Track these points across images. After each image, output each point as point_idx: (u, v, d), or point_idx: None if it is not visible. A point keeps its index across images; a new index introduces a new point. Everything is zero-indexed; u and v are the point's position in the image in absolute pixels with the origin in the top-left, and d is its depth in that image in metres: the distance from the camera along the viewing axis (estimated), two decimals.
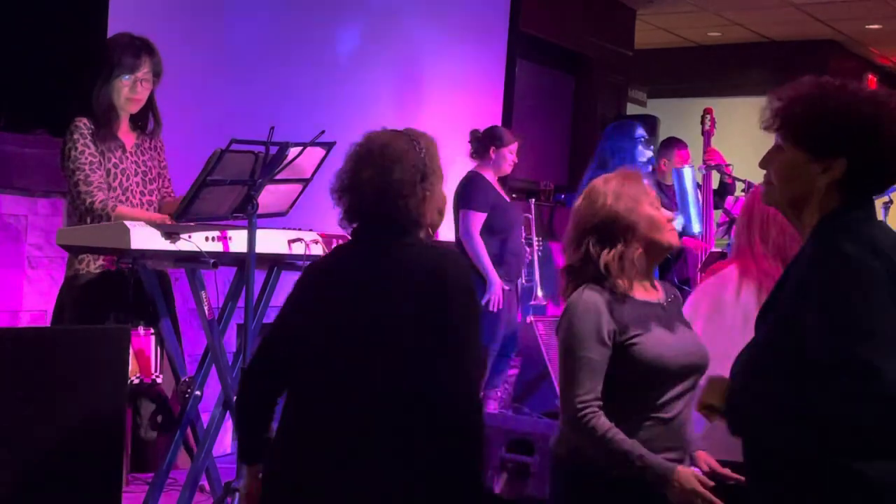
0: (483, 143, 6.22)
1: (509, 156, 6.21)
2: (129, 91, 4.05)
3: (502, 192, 6.27)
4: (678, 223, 6.07)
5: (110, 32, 4.79)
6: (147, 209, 4.08)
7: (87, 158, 3.95)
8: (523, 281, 6.62)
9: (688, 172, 6.23)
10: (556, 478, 2.90)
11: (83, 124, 3.99)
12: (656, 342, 2.80)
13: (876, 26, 10.65)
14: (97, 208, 3.87)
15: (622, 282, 2.83)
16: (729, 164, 6.76)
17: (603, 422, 2.71)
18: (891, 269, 2.04)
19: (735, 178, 6.76)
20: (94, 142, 3.99)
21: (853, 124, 2.12)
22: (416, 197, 2.52)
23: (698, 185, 6.31)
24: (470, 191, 6.13)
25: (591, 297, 2.81)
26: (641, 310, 2.84)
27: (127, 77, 4.03)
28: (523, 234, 6.53)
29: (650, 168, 6.33)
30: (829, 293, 2.03)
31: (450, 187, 6.77)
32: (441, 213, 2.57)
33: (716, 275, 3.29)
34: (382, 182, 2.51)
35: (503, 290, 6.04)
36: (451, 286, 2.46)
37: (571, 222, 2.93)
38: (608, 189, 2.90)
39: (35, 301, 4.93)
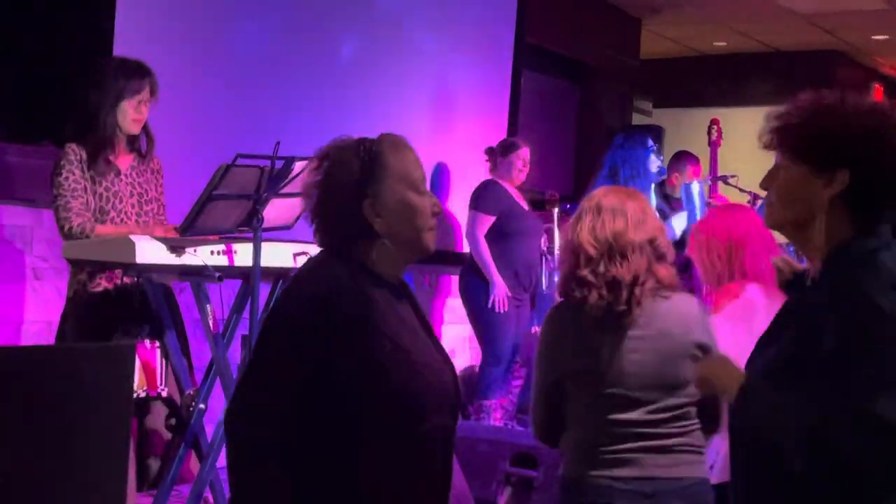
0: (495, 155, 6.35)
1: (516, 161, 6.26)
2: (135, 112, 4.11)
3: (520, 200, 6.32)
4: (679, 223, 6.09)
5: (116, 44, 4.82)
6: (143, 230, 4.11)
7: (70, 185, 3.99)
8: (543, 289, 6.62)
9: (696, 188, 6.23)
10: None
11: (71, 151, 4.04)
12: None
13: (882, 37, 10.65)
14: (75, 232, 3.93)
15: None
16: (733, 175, 6.76)
17: None
18: None
19: (740, 190, 6.77)
20: (83, 168, 4.03)
21: (854, 135, 2.09)
22: (347, 206, 2.33)
23: (707, 203, 6.31)
24: (480, 194, 6.25)
25: None
26: None
27: (132, 100, 4.08)
28: (545, 244, 6.53)
29: (661, 178, 6.33)
30: (865, 349, 1.98)
31: (457, 196, 6.80)
32: (409, 220, 2.39)
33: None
34: (319, 198, 2.36)
35: (508, 297, 6.06)
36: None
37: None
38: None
39: (40, 313, 4.93)
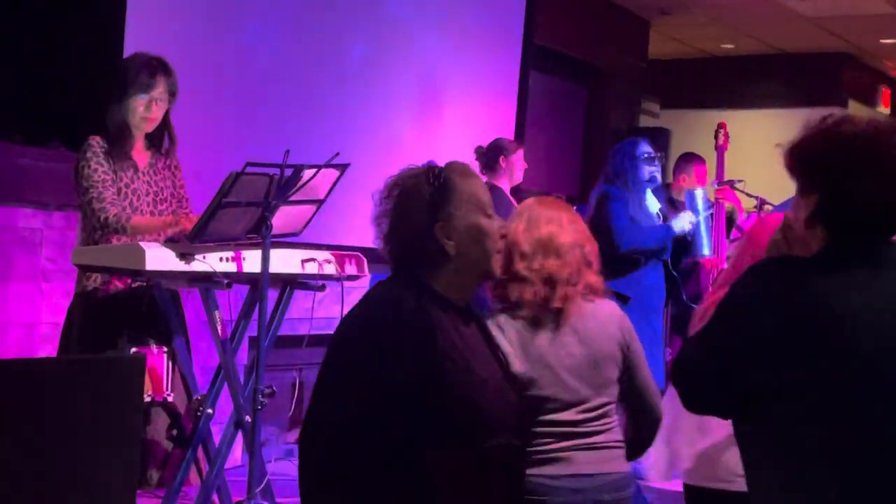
0: (490, 156, 6.26)
1: (518, 162, 6.25)
2: (144, 110, 4.07)
3: (515, 203, 6.29)
4: (687, 220, 6.07)
5: (126, 47, 4.83)
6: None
7: (100, 176, 3.97)
8: None
9: (699, 194, 6.22)
10: None
11: (96, 143, 4.02)
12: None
13: (890, 40, 10.64)
14: (112, 222, 3.90)
15: None
16: (740, 180, 6.75)
17: None
18: (785, 311, 2.10)
19: (747, 195, 6.77)
20: (107, 160, 4.02)
21: (819, 160, 2.18)
22: (419, 229, 2.43)
23: (711, 207, 6.30)
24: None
25: None
26: None
27: (142, 96, 4.05)
28: None
29: (656, 185, 6.29)
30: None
31: None
32: (479, 243, 2.49)
33: None
34: (391, 224, 2.48)
35: None
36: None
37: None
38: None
39: (50, 314, 4.95)
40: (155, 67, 4.08)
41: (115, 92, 4.05)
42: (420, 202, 2.44)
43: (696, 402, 2.28)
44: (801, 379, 2.08)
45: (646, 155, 6.03)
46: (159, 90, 4.06)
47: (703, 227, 6.10)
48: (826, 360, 2.07)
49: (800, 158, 2.22)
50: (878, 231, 2.19)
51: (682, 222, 6.03)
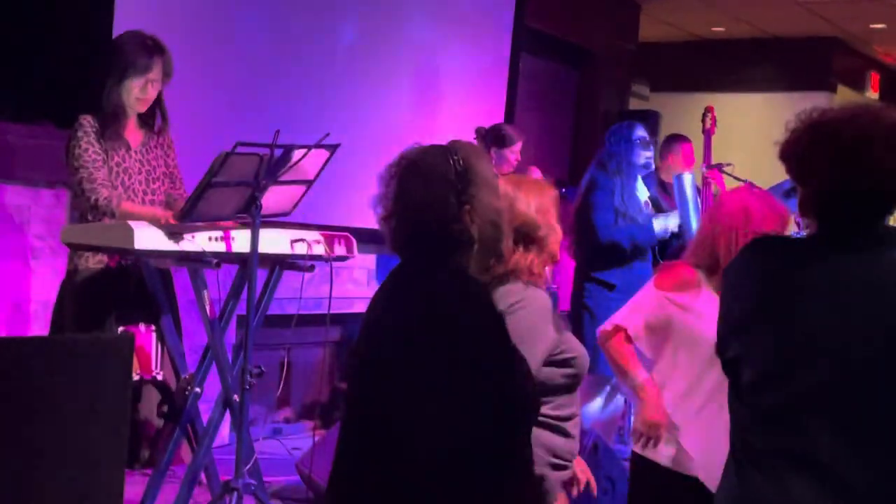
0: (486, 141, 6.22)
1: (510, 156, 6.19)
2: (140, 91, 4.07)
3: None
4: (672, 223, 6.10)
5: (116, 25, 4.82)
6: None
7: (91, 156, 3.97)
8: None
9: (688, 179, 6.23)
10: None
11: (87, 122, 4.01)
12: (575, 344, 3.00)
13: (880, 26, 10.65)
14: (101, 205, 3.90)
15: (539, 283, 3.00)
16: (729, 164, 6.76)
17: None
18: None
19: (736, 178, 6.77)
20: (99, 140, 4.01)
21: (811, 150, 2.22)
22: (448, 213, 2.36)
23: (698, 190, 6.32)
24: None
25: (541, 295, 2.95)
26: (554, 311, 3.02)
27: (138, 78, 4.05)
28: None
29: (649, 170, 6.31)
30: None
31: None
32: (496, 226, 2.45)
33: None
34: (411, 203, 2.38)
35: None
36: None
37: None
38: (528, 198, 3.02)
39: (38, 292, 4.95)
40: (151, 49, 4.08)
41: (111, 72, 4.05)
42: (445, 184, 2.36)
43: None
44: (755, 343, 2.20)
45: (641, 139, 6.05)
46: (155, 71, 4.07)
47: (692, 212, 6.11)
48: (770, 326, 2.17)
49: (789, 153, 2.26)
50: (864, 217, 2.20)
51: (665, 223, 6.05)
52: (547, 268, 3.10)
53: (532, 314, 2.87)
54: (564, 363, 2.94)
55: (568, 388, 2.97)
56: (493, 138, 6.22)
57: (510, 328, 2.48)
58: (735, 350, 2.23)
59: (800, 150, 2.23)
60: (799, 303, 2.15)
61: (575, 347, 2.99)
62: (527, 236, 2.97)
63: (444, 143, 2.52)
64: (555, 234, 3.05)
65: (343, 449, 2.37)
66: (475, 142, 6.24)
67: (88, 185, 3.93)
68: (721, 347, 2.28)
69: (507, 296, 2.87)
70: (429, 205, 2.37)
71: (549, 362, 2.89)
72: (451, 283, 2.36)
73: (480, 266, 2.45)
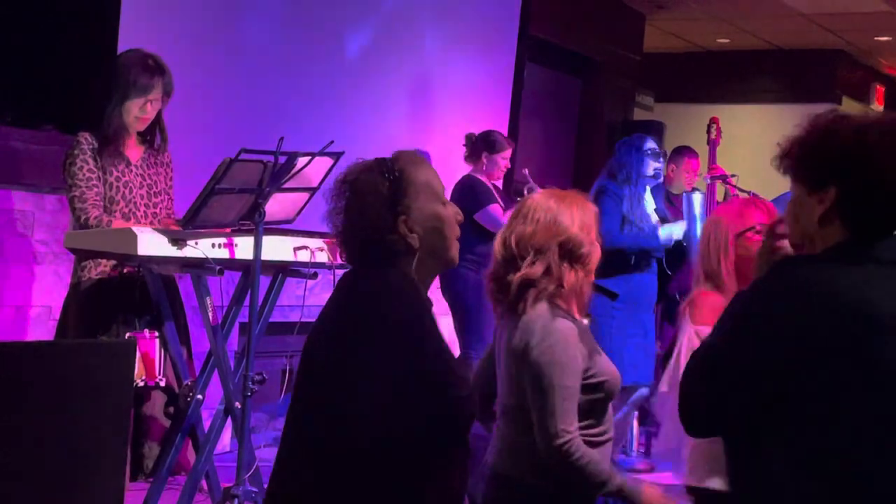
0: (476, 147, 6.23)
1: (501, 161, 6.20)
2: (140, 111, 4.13)
3: (499, 198, 6.25)
4: (677, 231, 6.09)
5: (121, 32, 4.82)
6: (151, 221, 4.13)
7: (84, 175, 4.01)
8: None
9: (697, 199, 6.24)
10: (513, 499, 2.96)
11: (85, 140, 4.06)
12: (606, 367, 2.93)
13: (885, 38, 10.65)
14: (91, 224, 3.95)
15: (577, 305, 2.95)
16: (733, 175, 6.76)
17: (584, 451, 2.80)
18: (801, 318, 2.07)
19: (740, 189, 6.77)
20: (96, 157, 4.05)
21: (836, 153, 2.16)
22: (383, 225, 2.38)
23: (707, 211, 6.31)
24: (475, 193, 6.10)
25: (567, 326, 2.87)
26: (587, 334, 2.95)
27: (139, 98, 4.09)
28: None
29: (659, 180, 6.31)
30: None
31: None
32: (438, 232, 2.43)
33: None
34: (349, 219, 2.41)
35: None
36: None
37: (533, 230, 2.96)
38: (572, 212, 2.95)
39: (41, 297, 4.95)
40: (153, 69, 4.12)
41: (113, 94, 4.09)
42: (378, 198, 2.38)
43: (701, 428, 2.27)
44: (823, 380, 2.05)
45: (652, 150, 6.07)
46: (156, 92, 4.10)
47: (698, 227, 6.09)
48: (850, 364, 2.04)
49: (809, 154, 2.19)
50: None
51: (670, 230, 6.04)
52: None
53: (553, 347, 2.83)
54: (594, 388, 2.89)
55: (597, 411, 2.92)
56: (484, 144, 6.23)
57: (532, 361, 2.76)
58: (791, 387, 2.07)
59: (846, 151, 2.14)
60: (877, 337, 2.04)
61: (605, 370, 2.92)
62: (571, 253, 2.91)
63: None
64: (596, 252, 2.97)
65: (283, 437, 2.42)
66: (465, 147, 6.25)
67: (80, 203, 3.99)
68: (761, 382, 2.10)
69: (529, 331, 2.86)
70: (366, 219, 2.39)
71: (581, 387, 2.86)
72: (384, 284, 2.38)
73: (429, 272, 2.46)
